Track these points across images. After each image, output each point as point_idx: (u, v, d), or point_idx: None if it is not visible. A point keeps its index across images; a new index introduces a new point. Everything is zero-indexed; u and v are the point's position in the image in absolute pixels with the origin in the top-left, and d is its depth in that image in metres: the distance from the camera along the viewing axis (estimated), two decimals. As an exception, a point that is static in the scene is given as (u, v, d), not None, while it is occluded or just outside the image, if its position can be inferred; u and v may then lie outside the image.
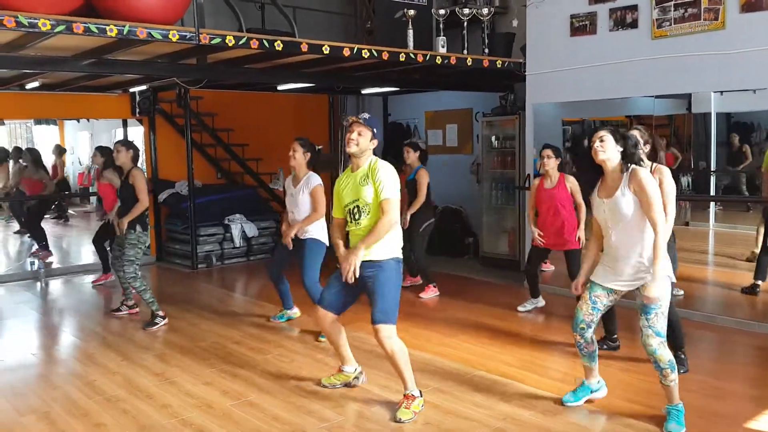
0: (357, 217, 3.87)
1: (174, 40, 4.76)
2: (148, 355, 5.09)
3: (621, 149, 3.57)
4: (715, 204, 7.21)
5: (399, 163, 7.21)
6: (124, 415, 3.96)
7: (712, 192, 7.13)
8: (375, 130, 3.86)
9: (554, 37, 6.75)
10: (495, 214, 8.51)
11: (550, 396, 4.12)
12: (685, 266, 7.21)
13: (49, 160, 13.39)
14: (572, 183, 5.61)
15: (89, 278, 7.89)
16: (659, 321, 3.50)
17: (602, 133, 3.59)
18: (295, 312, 5.98)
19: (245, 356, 5.03)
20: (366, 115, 3.93)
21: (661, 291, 3.46)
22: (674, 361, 3.56)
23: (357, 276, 3.77)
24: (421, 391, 3.95)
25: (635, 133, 4.24)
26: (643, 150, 4.28)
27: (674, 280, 3.61)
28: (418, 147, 6.98)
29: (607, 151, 3.57)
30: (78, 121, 15.49)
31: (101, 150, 7.06)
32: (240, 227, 8.92)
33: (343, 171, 4.12)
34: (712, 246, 7.54)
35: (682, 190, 7.38)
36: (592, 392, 4.00)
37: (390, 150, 9.88)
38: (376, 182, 3.79)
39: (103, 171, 6.99)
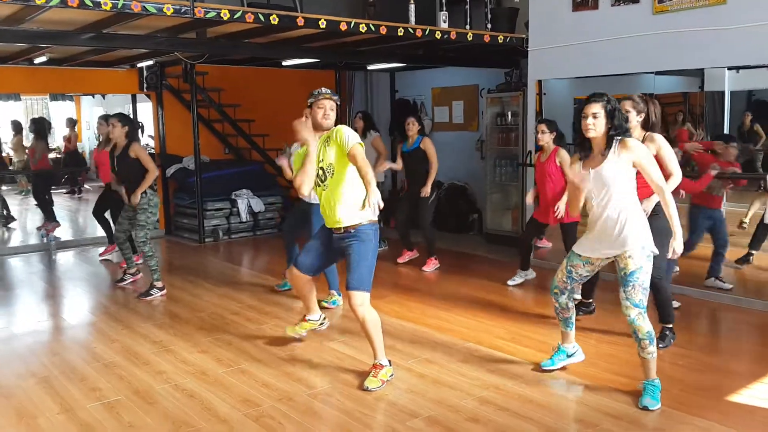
0: (323, 179, 3.99)
1: (168, 14, 4.82)
2: (148, 324, 5.23)
3: (609, 125, 3.57)
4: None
5: (404, 138, 7.26)
6: (120, 380, 4.09)
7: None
8: (338, 102, 4.10)
9: (557, 12, 6.70)
10: (499, 191, 8.52)
11: (534, 367, 4.18)
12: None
13: (63, 133, 13.64)
14: (562, 157, 5.60)
15: (99, 250, 8.05)
16: (636, 293, 3.55)
17: (595, 108, 3.58)
18: None
19: (242, 326, 5.14)
20: (326, 89, 4.09)
21: (633, 260, 3.53)
22: (653, 333, 3.60)
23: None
24: (390, 361, 4.04)
25: (628, 103, 4.26)
26: (638, 120, 4.31)
27: (656, 252, 3.63)
28: (421, 122, 7.03)
29: (598, 129, 3.58)
30: (93, 97, 15.67)
31: (106, 119, 7.17)
32: (247, 202, 9.02)
33: None
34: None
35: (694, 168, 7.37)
36: (568, 356, 4.12)
37: (396, 125, 9.93)
38: (338, 139, 3.89)
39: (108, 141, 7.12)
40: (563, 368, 4.11)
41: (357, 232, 3.93)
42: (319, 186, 4.03)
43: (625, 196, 3.57)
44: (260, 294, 6.11)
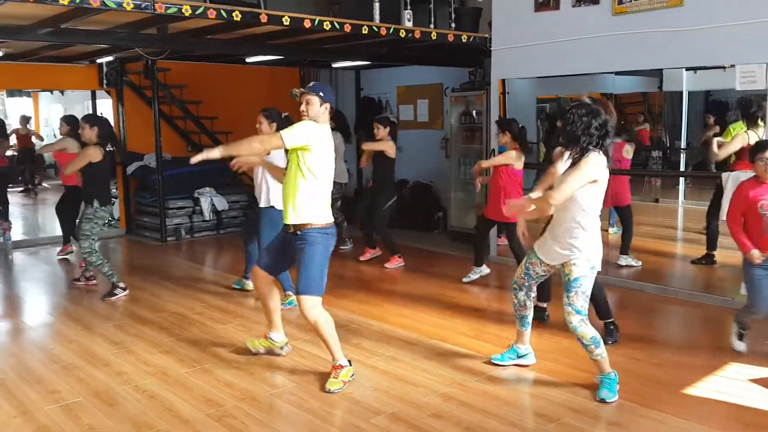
0: (285, 170, 4.03)
1: (128, 9, 4.74)
2: (107, 325, 5.13)
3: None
4: (685, 181, 7.35)
5: (370, 138, 7.27)
6: (79, 383, 4.01)
7: (682, 169, 7.27)
8: (322, 93, 3.89)
9: (519, 12, 6.77)
10: (463, 190, 8.58)
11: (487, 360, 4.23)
12: (650, 241, 7.41)
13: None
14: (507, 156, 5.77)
15: (56, 250, 7.87)
16: (578, 299, 3.61)
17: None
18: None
19: (205, 326, 5.09)
20: (311, 84, 4.01)
21: (577, 268, 3.60)
22: (597, 337, 3.66)
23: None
24: (350, 361, 4.00)
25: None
26: None
27: (599, 268, 3.71)
28: (388, 122, 7.01)
29: None
30: (51, 93, 15.33)
31: (66, 119, 7.03)
32: (210, 200, 8.92)
33: None
34: (681, 221, 7.71)
35: (651, 165, 7.54)
36: (518, 356, 4.17)
37: (362, 123, 9.93)
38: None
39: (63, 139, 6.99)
40: (515, 366, 4.15)
41: (304, 235, 3.87)
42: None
43: (577, 204, 3.57)
44: (224, 293, 6.05)
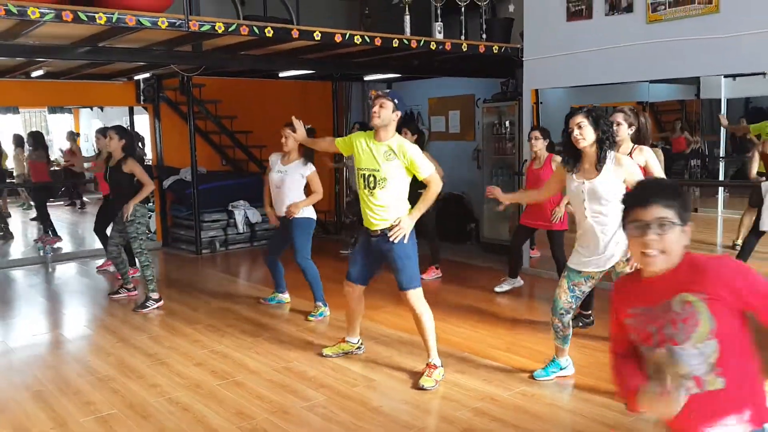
0: (372, 186, 4.03)
1: (163, 27, 4.84)
2: (143, 337, 5.21)
3: (597, 133, 3.61)
4: (724, 190, 7.19)
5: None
6: (114, 394, 4.08)
7: (721, 178, 7.10)
8: (397, 100, 3.97)
9: (551, 22, 6.72)
10: (496, 201, 8.48)
11: (528, 376, 4.17)
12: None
13: (64, 146, 13.66)
14: (558, 161, 5.60)
15: (97, 263, 8.04)
16: None
17: (579, 119, 3.62)
18: (286, 297, 6.09)
19: (238, 338, 5.13)
20: (387, 89, 4.10)
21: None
22: None
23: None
24: (442, 362, 4.14)
25: (619, 115, 4.29)
26: (629, 132, 4.34)
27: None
28: (416, 130, 7.00)
29: (587, 138, 3.61)
30: (91, 109, 15.71)
31: (103, 132, 7.17)
32: (243, 213, 9.02)
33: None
34: (720, 233, 7.53)
35: (692, 175, 7.39)
36: (561, 369, 4.12)
37: (400, 131, 9.93)
38: (408, 163, 3.94)
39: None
40: (555, 379, 4.12)
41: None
42: (365, 189, 4.07)
43: (615, 211, 3.56)
44: (256, 306, 6.10)
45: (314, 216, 5.61)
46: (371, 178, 4.02)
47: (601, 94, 7.08)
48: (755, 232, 5.78)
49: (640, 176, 3.66)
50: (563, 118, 7.61)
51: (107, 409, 3.85)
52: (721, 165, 7.27)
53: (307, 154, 5.49)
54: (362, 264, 4.30)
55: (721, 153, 7.18)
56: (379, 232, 4.06)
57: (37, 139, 9.91)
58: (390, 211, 4.02)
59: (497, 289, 6.29)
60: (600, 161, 3.63)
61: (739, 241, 6.23)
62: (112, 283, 7.12)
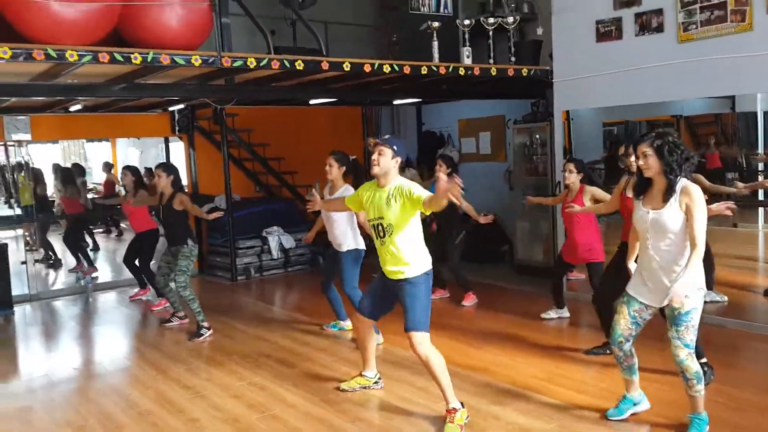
0: (381, 235, 4.03)
1: (196, 64, 4.95)
2: (180, 369, 5.27)
3: (661, 162, 3.46)
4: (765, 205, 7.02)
5: (431, 173, 7.28)
6: (154, 429, 4.13)
7: (761, 193, 6.94)
8: (396, 147, 3.98)
9: (580, 43, 6.69)
10: (529, 222, 8.46)
11: (569, 408, 4.11)
12: (731, 271, 7.06)
13: (101, 177, 13.92)
14: (591, 192, 5.54)
15: (133, 291, 8.17)
16: (689, 333, 3.47)
17: (644, 148, 3.50)
18: (348, 324, 6.02)
19: (274, 369, 5.16)
20: (386, 136, 4.14)
21: (690, 300, 3.42)
22: (701, 372, 3.54)
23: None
24: (462, 403, 3.99)
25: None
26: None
27: (706, 291, 3.56)
28: (451, 162, 7.00)
29: (651, 167, 3.50)
30: (128, 138, 16.06)
31: (131, 169, 7.34)
32: (277, 239, 9.10)
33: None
34: (762, 249, 7.34)
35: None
36: (634, 404, 3.97)
37: (423, 158, 9.97)
38: (405, 195, 3.90)
39: (135, 192, 7.25)
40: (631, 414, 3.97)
41: (413, 279, 4.00)
42: (377, 238, 4.07)
43: (684, 239, 3.48)
44: (292, 334, 6.13)
45: (362, 246, 5.60)
46: (380, 227, 4.02)
47: (634, 109, 7.00)
48: None
49: (703, 205, 3.44)
50: (594, 133, 7.60)
51: (148, 445, 3.91)
52: (760, 179, 7.11)
53: (352, 181, 5.51)
54: (375, 299, 4.29)
55: (760, 167, 7.02)
56: (396, 279, 4.03)
57: (67, 175, 10.07)
58: (405, 257, 3.98)
59: (543, 315, 6.24)
60: (668, 191, 3.47)
61: None
62: (147, 313, 7.24)
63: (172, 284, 6.38)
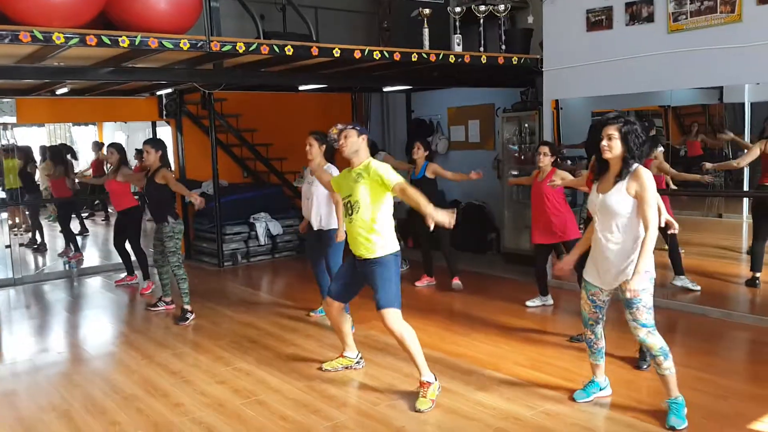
0: (350, 212, 4.10)
1: (185, 48, 4.90)
2: (166, 354, 5.26)
3: (624, 148, 3.52)
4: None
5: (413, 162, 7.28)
6: (139, 414, 4.12)
7: (746, 184, 6.99)
8: (358, 128, 4.15)
9: (571, 32, 6.69)
10: (516, 210, 8.48)
11: (554, 395, 4.14)
12: (714, 261, 7.13)
13: (90, 157, 13.78)
14: (561, 174, 5.52)
15: (120, 276, 8.13)
16: (641, 314, 3.55)
17: (611, 130, 3.54)
18: None
19: (260, 354, 5.16)
20: (339, 126, 4.23)
21: (640, 284, 3.47)
22: (666, 347, 3.59)
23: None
24: (435, 376, 4.09)
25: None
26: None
27: (654, 275, 3.60)
28: (428, 147, 7.12)
29: (614, 150, 3.54)
30: (115, 122, 15.91)
31: (116, 147, 7.29)
32: (264, 225, 9.08)
33: None
34: (745, 239, 7.40)
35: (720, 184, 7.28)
36: (600, 389, 4.05)
37: (412, 145, 9.93)
38: (373, 177, 3.98)
39: (119, 169, 7.20)
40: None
41: (380, 260, 4.06)
42: (346, 217, 4.16)
43: (634, 225, 3.52)
44: (279, 320, 6.13)
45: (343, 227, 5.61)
46: (348, 205, 4.11)
47: (623, 99, 7.01)
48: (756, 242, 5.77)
49: (653, 191, 3.47)
50: (583, 123, 7.61)
51: (132, 429, 3.89)
52: (746, 170, 7.16)
53: (331, 159, 5.46)
54: (344, 283, 4.36)
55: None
56: (362, 258, 4.10)
57: (56, 154, 9.93)
58: (372, 236, 4.03)
59: (528, 303, 6.28)
60: (619, 175, 3.54)
61: None
62: (133, 297, 7.21)
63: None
